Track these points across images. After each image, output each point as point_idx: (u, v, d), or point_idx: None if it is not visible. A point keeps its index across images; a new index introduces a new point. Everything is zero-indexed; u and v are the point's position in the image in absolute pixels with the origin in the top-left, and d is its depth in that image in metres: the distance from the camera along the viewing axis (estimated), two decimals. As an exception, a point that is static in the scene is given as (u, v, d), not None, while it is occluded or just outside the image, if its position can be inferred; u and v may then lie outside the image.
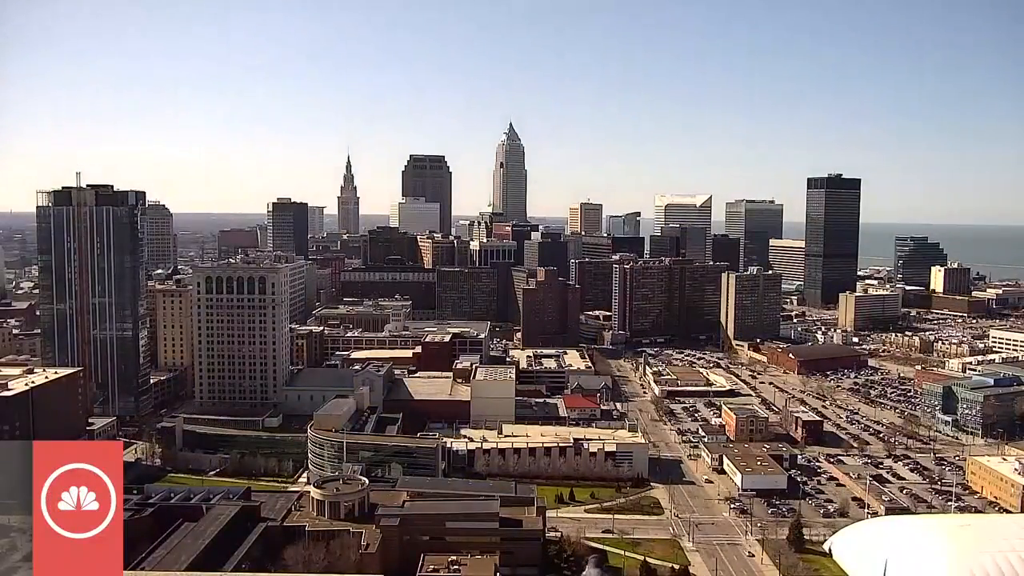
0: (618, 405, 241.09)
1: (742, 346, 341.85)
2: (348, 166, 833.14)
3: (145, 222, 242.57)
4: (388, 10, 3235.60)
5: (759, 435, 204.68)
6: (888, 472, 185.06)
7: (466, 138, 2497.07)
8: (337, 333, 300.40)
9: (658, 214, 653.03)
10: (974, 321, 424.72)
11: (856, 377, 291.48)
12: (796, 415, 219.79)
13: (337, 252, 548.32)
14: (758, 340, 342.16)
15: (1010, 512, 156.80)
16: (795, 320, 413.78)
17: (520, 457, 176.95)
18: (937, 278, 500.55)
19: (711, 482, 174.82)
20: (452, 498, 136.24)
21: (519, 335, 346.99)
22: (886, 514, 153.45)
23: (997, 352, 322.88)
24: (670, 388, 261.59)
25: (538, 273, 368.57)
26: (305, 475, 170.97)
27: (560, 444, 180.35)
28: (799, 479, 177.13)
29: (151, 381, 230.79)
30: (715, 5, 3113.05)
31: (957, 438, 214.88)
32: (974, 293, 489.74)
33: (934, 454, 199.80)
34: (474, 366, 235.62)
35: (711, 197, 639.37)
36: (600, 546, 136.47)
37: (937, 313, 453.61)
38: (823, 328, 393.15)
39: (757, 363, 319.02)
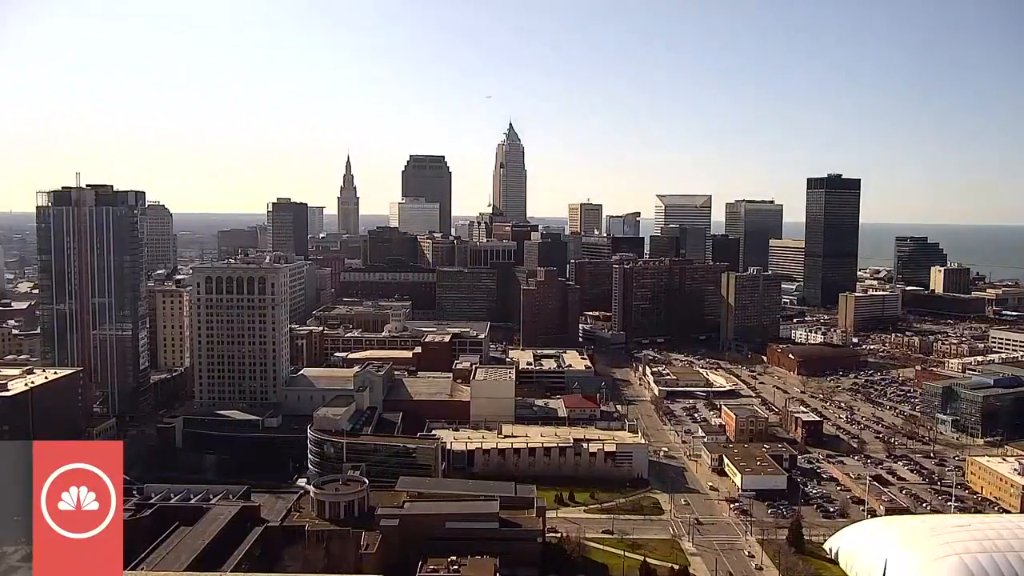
0: (618, 406, 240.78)
1: (742, 346, 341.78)
2: (348, 166, 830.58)
3: (145, 222, 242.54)
4: (389, 10, 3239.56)
5: (759, 436, 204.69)
6: (888, 472, 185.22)
7: (466, 138, 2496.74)
8: (337, 333, 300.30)
9: (658, 214, 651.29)
10: (974, 321, 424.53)
11: (856, 377, 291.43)
12: (796, 415, 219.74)
13: (337, 252, 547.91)
14: (758, 340, 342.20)
15: (1010, 512, 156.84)
16: (795, 321, 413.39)
17: (520, 458, 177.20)
18: (937, 278, 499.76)
19: (715, 489, 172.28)
20: (452, 499, 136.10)
21: (519, 335, 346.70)
22: (886, 514, 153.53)
23: (997, 352, 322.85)
24: (670, 388, 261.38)
25: (538, 273, 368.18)
26: (305, 476, 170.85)
27: (560, 445, 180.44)
28: (799, 480, 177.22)
29: (151, 381, 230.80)
30: (715, 5, 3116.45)
31: (957, 438, 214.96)
32: (974, 293, 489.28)
33: (934, 454, 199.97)
34: (474, 366, 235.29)
35: (711, 197, 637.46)
36: (600, 547, 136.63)
37: (937, 313, 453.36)
38: (823, 328, 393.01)
39: (757, 363, 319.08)
